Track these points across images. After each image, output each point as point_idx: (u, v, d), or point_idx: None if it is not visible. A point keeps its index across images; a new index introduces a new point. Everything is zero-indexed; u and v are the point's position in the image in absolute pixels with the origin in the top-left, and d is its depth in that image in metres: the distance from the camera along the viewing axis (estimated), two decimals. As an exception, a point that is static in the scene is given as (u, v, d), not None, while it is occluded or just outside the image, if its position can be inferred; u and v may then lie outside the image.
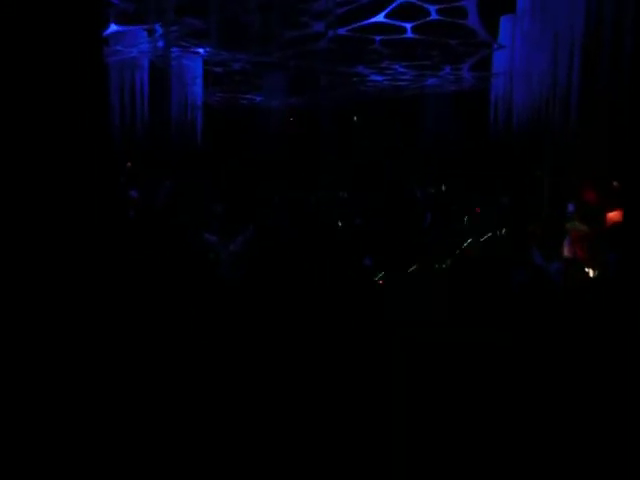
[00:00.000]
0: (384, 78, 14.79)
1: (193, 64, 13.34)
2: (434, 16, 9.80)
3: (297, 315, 4.12)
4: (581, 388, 3.09)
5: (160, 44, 10.44)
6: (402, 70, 13.65)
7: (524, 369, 3.12)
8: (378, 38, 11.19)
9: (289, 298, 4.44)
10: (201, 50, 12.15)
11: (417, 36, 10.76)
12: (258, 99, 17.90)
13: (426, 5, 9.44)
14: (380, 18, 10.09)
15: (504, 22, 10.28)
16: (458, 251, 7.57)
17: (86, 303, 3.40)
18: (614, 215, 8.88)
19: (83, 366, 3.25)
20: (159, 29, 9.70)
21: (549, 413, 3.04)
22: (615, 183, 9.73)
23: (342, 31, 10.54)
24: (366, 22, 10.30)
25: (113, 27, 10.08)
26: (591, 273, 7.08)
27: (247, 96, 17.62)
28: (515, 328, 3.64)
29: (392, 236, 7.73)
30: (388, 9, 9.72)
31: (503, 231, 8.77)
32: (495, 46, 10.82)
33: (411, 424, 3.02)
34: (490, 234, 8.53)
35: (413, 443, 2.98)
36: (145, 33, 10.86)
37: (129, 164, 13.72)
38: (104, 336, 3.37)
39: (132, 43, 11.08)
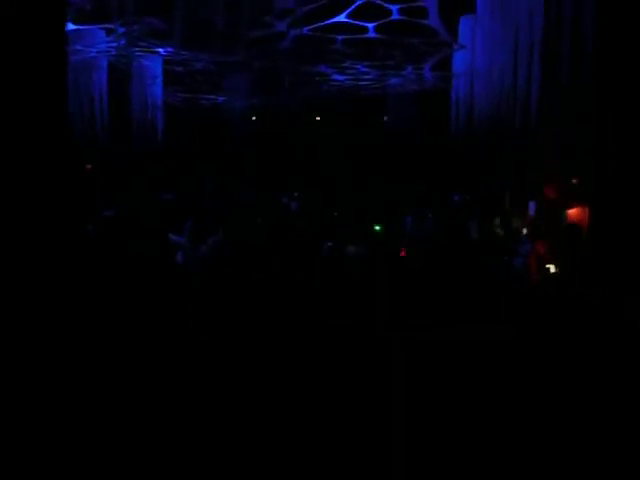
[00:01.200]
0: (346, 78, 14.81)
1: (153, 64, 13.14)
2: (396, 16, 9.85)
3: (289, 314, 4.08)
4: (572, 387, 3.12)
5: (120, 43, 10.26)
6: (364, 70, 13.70)
7: (523, 368, 3.14)
8: (340, 38, 11.20)
9: (281, 297, 4.41)
10: (161, 50, 11.97)
11: (379, 36, 10.81)
12: (220, 99, 17.74)
13: (388, 5, 9.49)
14: (342, 18, 10.11)
15: (464, 22, 10.40)
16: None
17: (53, 304, 3.32)
18: (574, 212, 9.07)
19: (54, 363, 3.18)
20: (119, 28, 9.51)
21: (547, 412, 3.07)
22: (574, 180, 9.94)
23: (304, 31, 10.54)
24: (328, 22, 10.30)
25: (70, 26, 9.84)
26: (552, 269, 7.20)
27: (209, 96, 17.46)
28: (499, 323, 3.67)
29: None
30: (350, 9, 9.74)
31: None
32: (455, 46, 10.94)
33: (411, 423, 3.01)
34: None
35: (413, 442, 2.97)
36: (103, 33, 10.65)
37: (89, 166, 13.46)
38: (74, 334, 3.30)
39: (90, 43, 10.85)
